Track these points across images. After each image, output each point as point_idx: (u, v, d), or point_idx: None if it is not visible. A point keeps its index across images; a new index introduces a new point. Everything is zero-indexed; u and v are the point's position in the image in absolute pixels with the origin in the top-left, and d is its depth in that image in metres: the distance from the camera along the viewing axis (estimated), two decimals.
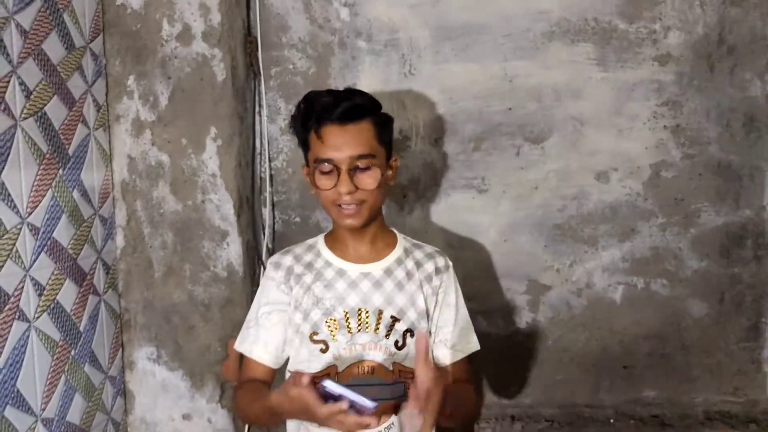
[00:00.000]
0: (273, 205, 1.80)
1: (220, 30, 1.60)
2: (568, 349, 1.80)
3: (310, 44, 1.75)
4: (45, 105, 1.35)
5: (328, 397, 1.03)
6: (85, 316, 1.50)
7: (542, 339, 1.80)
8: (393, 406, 1.23)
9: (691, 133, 1.73)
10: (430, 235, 1.74)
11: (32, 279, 1.31)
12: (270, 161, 1.78)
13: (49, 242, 1.36)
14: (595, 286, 1.78)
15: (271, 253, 1.73)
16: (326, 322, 1.27)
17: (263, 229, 1.79)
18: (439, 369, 1.12)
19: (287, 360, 1.32)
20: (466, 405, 1.27)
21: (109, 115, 1.63)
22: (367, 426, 1.04)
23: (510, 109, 1.74)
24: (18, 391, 1.26)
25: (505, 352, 1.80)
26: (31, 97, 1.30)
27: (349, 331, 1.26)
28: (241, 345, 1.34)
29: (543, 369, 1.81)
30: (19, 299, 1.26)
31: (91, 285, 1.53)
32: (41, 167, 1.33)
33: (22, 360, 1.27)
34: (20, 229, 1.27)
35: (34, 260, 1.31)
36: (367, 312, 1.27)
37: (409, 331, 1.28)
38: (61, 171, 1.41)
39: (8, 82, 1.23)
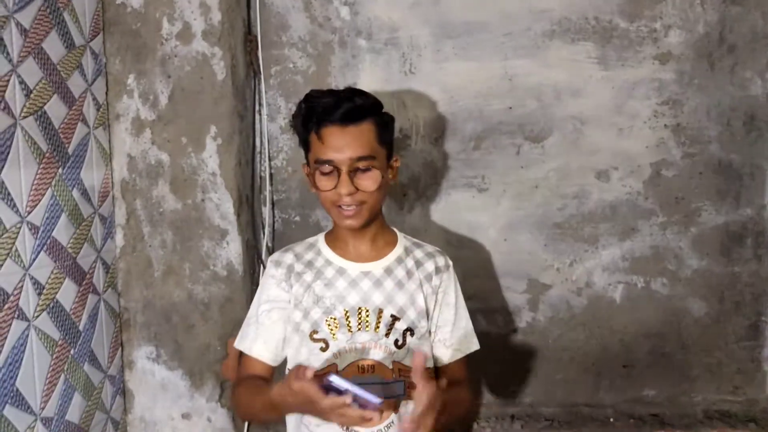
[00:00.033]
0: (273, 203, 1.80)
1: (221, 29, 1.60)
2: (567, 349, 1.80)
3: (310, 43, 1.75)
4: (45, 104, 1.35)
5: (331, 392, 1.03)
6: (84, 315, 1.50)
7: (542, 338, 1.80)
8: (393, 404, 1.23)
9: (692, 132, 1.73)
10: (430, 234, 1.74)
11: (32, 278, 1.30)
12: (270, 160, 1.78)
13: (48, 241, 1.36)
14: (595, 285, 1.78)
15: (270, 252, 1.73)
16: (326, 320, 1.27)
17: (263, 228, 1.79)
18: (435, 381, 1.13)
19: (286, 360, 1.32)
20: (459, 409, 1.29)
21: (108, 114, 1.62)
22: (369, 420, 1.04)
23: (510, 107, 1.74)
24: (17, 390, 1.26)
25: (504, 351, 1.80)
26: (31, 95, 1.30)
27: (349, 330, 1.26)
28: (241, 342, 1.34)
29: (543, 368, 1.81)
30: (19, 298, 1.26)
31: (91, 284, 1.53)
32: (41, 166, 1.33)
33: (22, 359, 1.27)
34: (20, 228, 1.27)
35: (34, 259, 1.31)
36: (367, 311, 1.27)
37: (409, 330, 1.28)
38: (60, 170, 1.41)
39: (8, 80, 1.23)
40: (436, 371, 1.35)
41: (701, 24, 1.70)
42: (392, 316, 1.27)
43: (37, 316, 1.32)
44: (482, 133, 1.75)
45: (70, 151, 1.45)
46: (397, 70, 1.74)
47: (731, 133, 1.73)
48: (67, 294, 1.43)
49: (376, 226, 1.32)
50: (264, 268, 1.69)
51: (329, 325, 1.26)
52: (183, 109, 1.62)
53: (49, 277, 1.36)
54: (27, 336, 1.29)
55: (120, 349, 1.68)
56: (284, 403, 1.11)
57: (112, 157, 1.64)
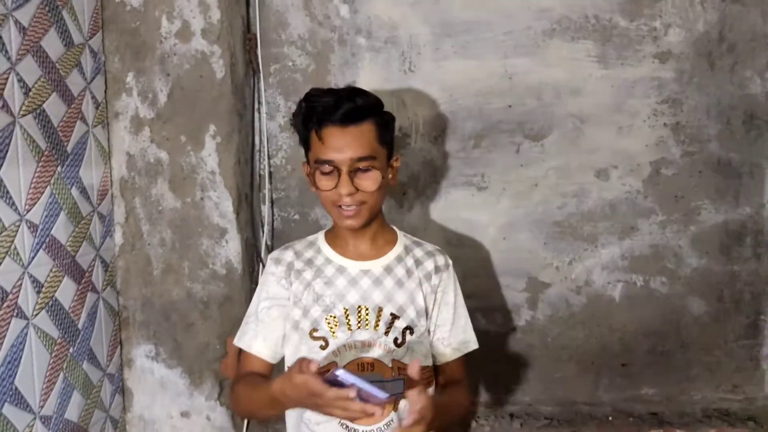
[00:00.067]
0: (272, 202, 1.80)
1: (220, 27, 1.60)
2: (567, 347, 1.80)
3: (309, 41, 1.74)
4: (44, 102, 1.34)
5: (334, 386, 1.03)
6: (83, 314, 1.50)
7: (541, 337, 1.80)
8: (393, 402, 1.23)
9: (691, 131, 1.73)
10: (429, 233, 1.74)
11: (30, 276, 1.30)
12: (269, 158, 1.78)
13: (47, 239, 1.36)
14: (594, 283, 1.78)
15: (269, 250, 1.73)
16: (326, 318, 1.27)
17: (262, 226, 1.79)
18: (428, 392, 1.14)
19: (284, 358, 1.32)
20: (456, 410, 1.31)
21: (107, 112, 1.62)
22: (371, 415, 1.03)
23: (510, 106, 1.74)
24: (16, 388, 1.25)
25: (504, 349, 1.80)
26: (30, 93, 1.30)
27: (348, 328, 1.26)
28: (240, 340, 1.34)
29: (542, 367, 1.81)
30: (18, 296, 1.26)
31: (90, 282, 1.53)
32: (40, 164, 1.33)
33: (21, 357, 1.27)
34: (19, 226, 1.27)
35: (33, 257, 1.31)
36: (366, 309, 1.27)
37: (409, 329, 1.28)
38: (59, 168, 1.40)
39: (7, 78, 1.23)
40: (435, 370, 1.35)
41: (701, 23, 1.70)
42: (392, 314, 1.27)
43: (36, 315, 1.32)
44: (482, 131, 1.75)
45: (69, 149, 1.44)
46: (397, 68, 1.73)
47: (731, 131, 1.73)
48: (66, 292, 1.42)
49: (376, 225, 1.31)
50: (263, 266, 1.69)
51: (329, 323, 1.26)
52: (182, 108, 1.61)
53: (48, 276, 1.36)
54: (26, 334, 1.29)
55: (119, 347, 1.67)
56: (284, 397, 1.11)
57: (111, 155, 1.64)
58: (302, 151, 1.31)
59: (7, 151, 1.23)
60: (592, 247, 1.77)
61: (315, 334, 1.26)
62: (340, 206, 1.24)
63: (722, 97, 1.72)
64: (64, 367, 1.42)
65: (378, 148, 1.24)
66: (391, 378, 1.24)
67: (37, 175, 1.32)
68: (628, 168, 1.75)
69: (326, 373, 1.04)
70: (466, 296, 1.39)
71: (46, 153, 1.35)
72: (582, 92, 1.73)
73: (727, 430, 1.70)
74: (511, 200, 1.77)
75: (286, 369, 1.32)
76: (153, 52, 1.60)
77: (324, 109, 1.21)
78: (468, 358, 1.38)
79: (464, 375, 1.37)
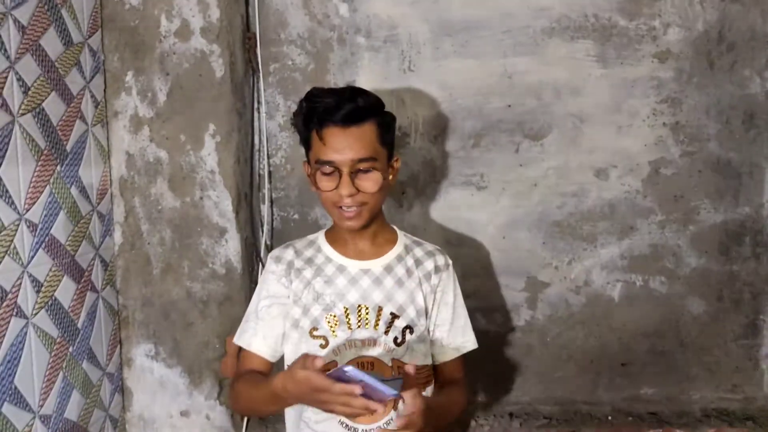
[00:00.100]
0: (271, 201, 1.80)
1: (219, 26, 1.60)
2: (566, 347, 1.80)
3: (309, 40, 1.74)
4: (43, 101, 1.34)
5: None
6: (83, 313, 1.49)
7: (540, 336, 1.80)
8: (393, 401, 1.23)
9: (691, 131, 1.73)
10: (428, 232, 1.74)
11: (30, 275, 1.30)
12: (269, 158, 1.78)
13: (47, 239, 1.36)
14: (593, 283, 1.78)
15: (269, 250, 1.73)
16: (326, 317, 1.27)
17: (262, 225, 1.79)
18: (423, 396, 1.14)
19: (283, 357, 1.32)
20: (453, 410, 1.31)
21: (107, 111, 1.62)
22: (374, 412, 1.03)
23: (509, 105, 1.74)
24: (16, 387, 1.25)
25: (503, 349, 1.80)
26: (29, 92, 1.29)
27: (348, 327, 1.26)
28: (240, 338, 1.34)
29: (541, 366, 1.81)
30: (17, 296, 1.26)
31: (89, 281, 1.53)
32: (39, 163, 1.33)
33: (20, 357, 1.27)
34: (18, 225, 1.27)
35: (32, 257, 1.31)
36: (366, 308, 1.27)
37: (409, 328, 1.28)
38: (59, 167, 1.40)
39: (6, 77, 1.22)
40: (434, 369, 1.35)
41: (700, 22, 1.70)
42: (392, 313, 1.27)
43: (36, 314, 1.32)
44: (481, 131, 1.75)
45: (68, 148, 1.44)
46: (396, 67, 1.73)
47: (730, 131, 1.73)
48: (65, 291, 1.42)
49: (376, 225, 1.32)
50: (263, 266, 1.69)
51: (329, 322, 1.26)
52: (181, 107, 1.61)
53: (48, 275, 1.36)
54: (25, 334, 1.29)
55: (118, 346, 1.67)
56: (285, 392, 1.11)
57: (110, 154, 1.63)
58: (302, 150, 1.31)
59: (6, 151, 1.23)
60: (592, 247, 1.77)
61: (315, 332, 1.27)
62: (341, 207, 1.24)
63: (722, 96, 1.72)
64: (64, 366, 1.42)
65: (379, 149, 1.24)
66: (390, 377, 1.24)
67: (36, 174, 1.32)
68: (627, 168, 1.75)
69: (330, 370, 1.04)
70: (466, 296, 1.39)
71: (45, 152, 1.35)
72: (581, 92, 1.73)
73: (726, 430, 1.71)
74: (511, 200, 1.77)
75: (285, 368, 1.32)
76: (152, 51, 1.60)
77: (325, 109, 1.21)
78: (467, 358, 1.38)
79: (463, 374, 1.38)
